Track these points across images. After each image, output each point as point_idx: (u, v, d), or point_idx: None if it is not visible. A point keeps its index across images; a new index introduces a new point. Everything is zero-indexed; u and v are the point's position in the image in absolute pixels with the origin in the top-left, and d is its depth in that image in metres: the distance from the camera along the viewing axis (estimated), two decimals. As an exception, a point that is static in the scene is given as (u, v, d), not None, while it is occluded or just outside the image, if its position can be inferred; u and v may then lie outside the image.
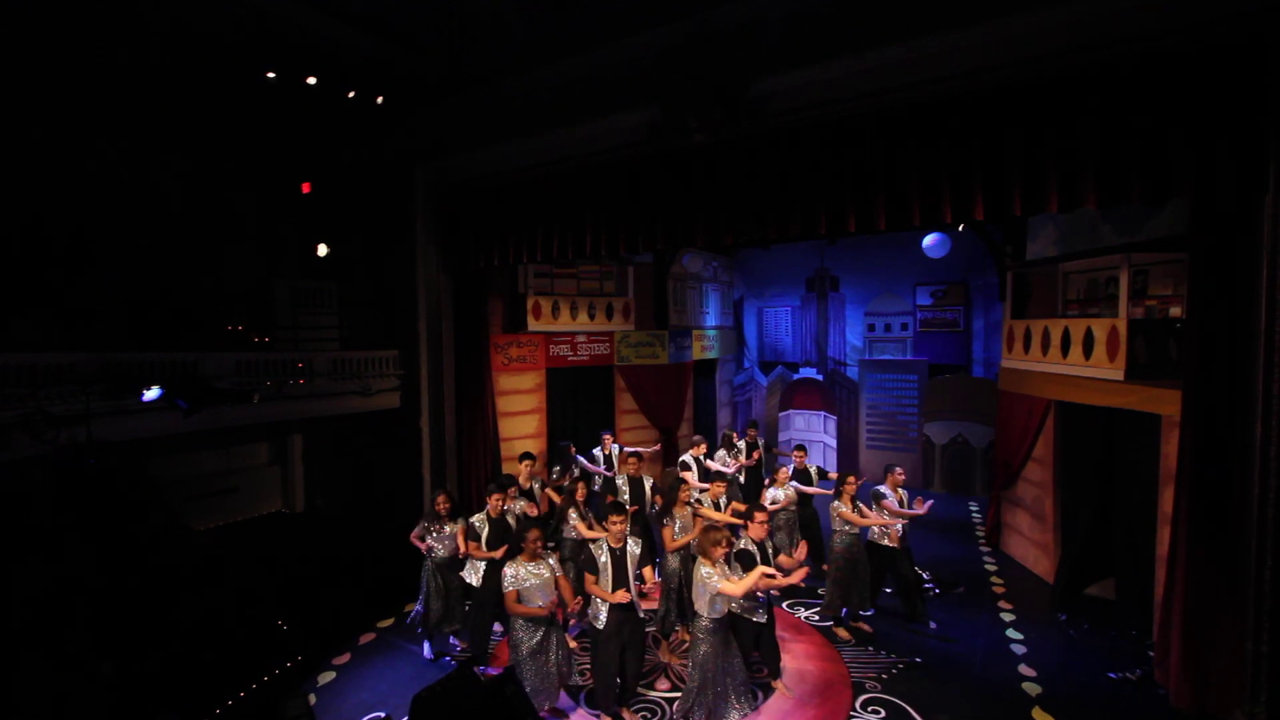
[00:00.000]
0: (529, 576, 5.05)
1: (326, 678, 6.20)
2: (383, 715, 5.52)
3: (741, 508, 7.54)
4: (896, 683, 5.88)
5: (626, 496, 7.36)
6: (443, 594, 6.31)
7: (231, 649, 5.77)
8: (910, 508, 6.94)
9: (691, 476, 8.77)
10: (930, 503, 6.81)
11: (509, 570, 5.06)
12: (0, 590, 5.12)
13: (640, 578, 5.24)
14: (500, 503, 6.33)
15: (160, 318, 9.01)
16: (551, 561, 5.26)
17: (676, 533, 6.44)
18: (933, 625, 6.89)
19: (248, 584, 6.94)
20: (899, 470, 7.11)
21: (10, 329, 7.46)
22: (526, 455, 7.76)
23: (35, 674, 4.68)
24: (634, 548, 5.26)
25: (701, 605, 4.92)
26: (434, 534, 6.30)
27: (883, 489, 6.92)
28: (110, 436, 6.53)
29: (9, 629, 4.92)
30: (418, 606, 6.46)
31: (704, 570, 4.87)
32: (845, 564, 6.68)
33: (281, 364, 8.38)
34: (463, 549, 6.17)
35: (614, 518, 5.27)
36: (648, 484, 7.50)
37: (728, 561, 5.13)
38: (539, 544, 5.13)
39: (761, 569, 4.97)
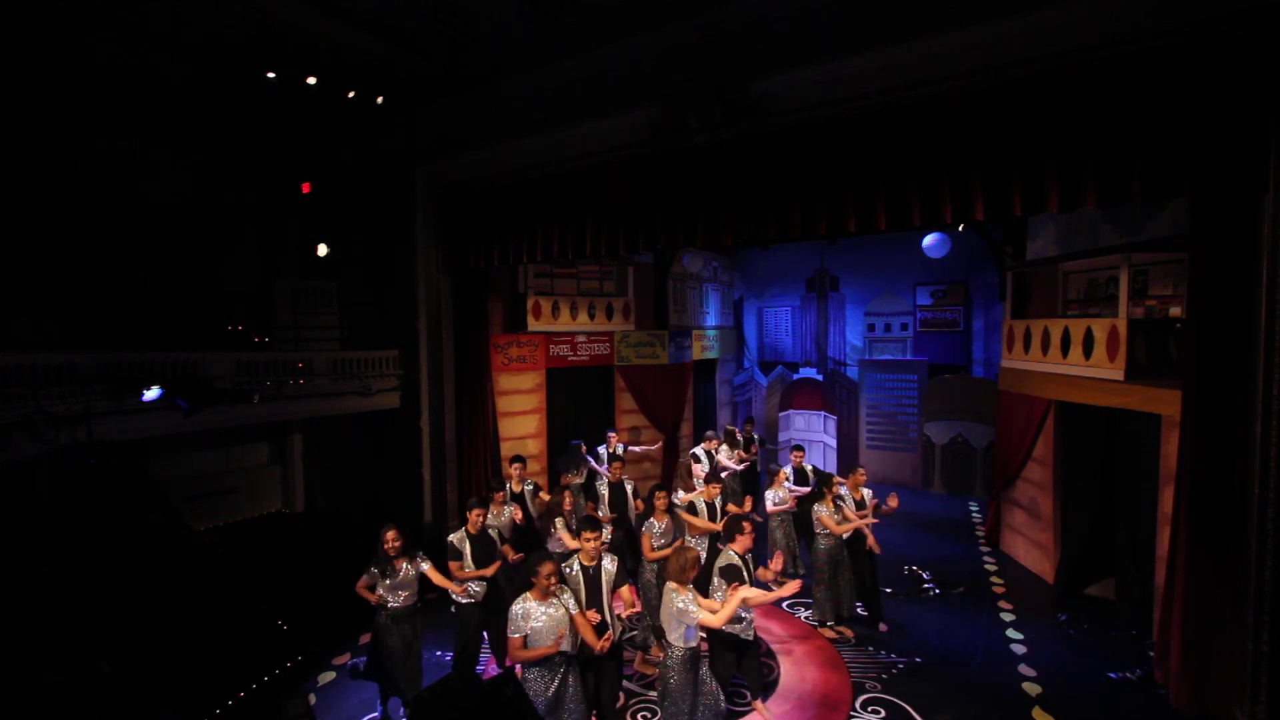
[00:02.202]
0: (539, 617, 4.32)
1: (326, 678, 6.20)
2: (381, 715, 5.52)
3: (738, 509, 7.50)
4: (896, 683, 5.88)
5: (606, 503, 7.18)
6: (403, 655, 5.25)
7: (231, 648, 5.77)
8: (871, 510, 6.82)
9: (700, 469, 8.82)
10: (895, 500, 6.65)
11: (516, 609, 4.32)
12: (0, 590, 5.13)
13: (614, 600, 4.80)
14: (481, 518, 5.75)
15: (160, 318, 9.03)
16: (568, 598, 4.50)
17: (656, 543, 6.17)
18: (883, 628, 6.86)
19: (248, 584, 6.95)
20: (861, 470, 7.08)
21: (10, 329, 7.47)
22: (517, 458, 7.57)
23: (35, 674, 4.68)
24: (609, 565, 4.86)
25: (674, 635, 4.50)
26: (386, 581, 5.16)
27: (841, 490, 6.82)
28: (110, 436, 6.52)
29: (9, 629, 4.93)
30: (357, 660, 5.56)
31: (677, 600, 4.45)
32: (828, 567, 6.61)
33: (281, 364, 8.37)
34: (437, 579, 5.34)
35: (587, 534, 4.85)
36: (629, 488, 7.32)
37: (707, 579, 4.84)
38: (553, 579, 4.36)
39: (741, 595, 4.56)
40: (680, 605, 4.42)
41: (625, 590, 4.91)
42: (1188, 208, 5.56)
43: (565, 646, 4.34)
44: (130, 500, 6.52)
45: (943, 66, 5.55)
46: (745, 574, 5.00)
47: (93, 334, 8.05)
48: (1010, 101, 5.40)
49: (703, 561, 4.75)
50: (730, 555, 5.06)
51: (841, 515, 6.60)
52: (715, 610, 4.50)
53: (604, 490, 7.28)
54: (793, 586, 4.55)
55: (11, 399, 5.92)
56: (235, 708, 5.20)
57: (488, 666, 6.23)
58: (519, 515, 6.57)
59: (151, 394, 6.47)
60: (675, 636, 4.50)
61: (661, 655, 4.67)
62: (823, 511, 6.55)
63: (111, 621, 5.29)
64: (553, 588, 4.36)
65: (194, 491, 9.26)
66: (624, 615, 4.93)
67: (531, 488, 7.35)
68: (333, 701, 5.81)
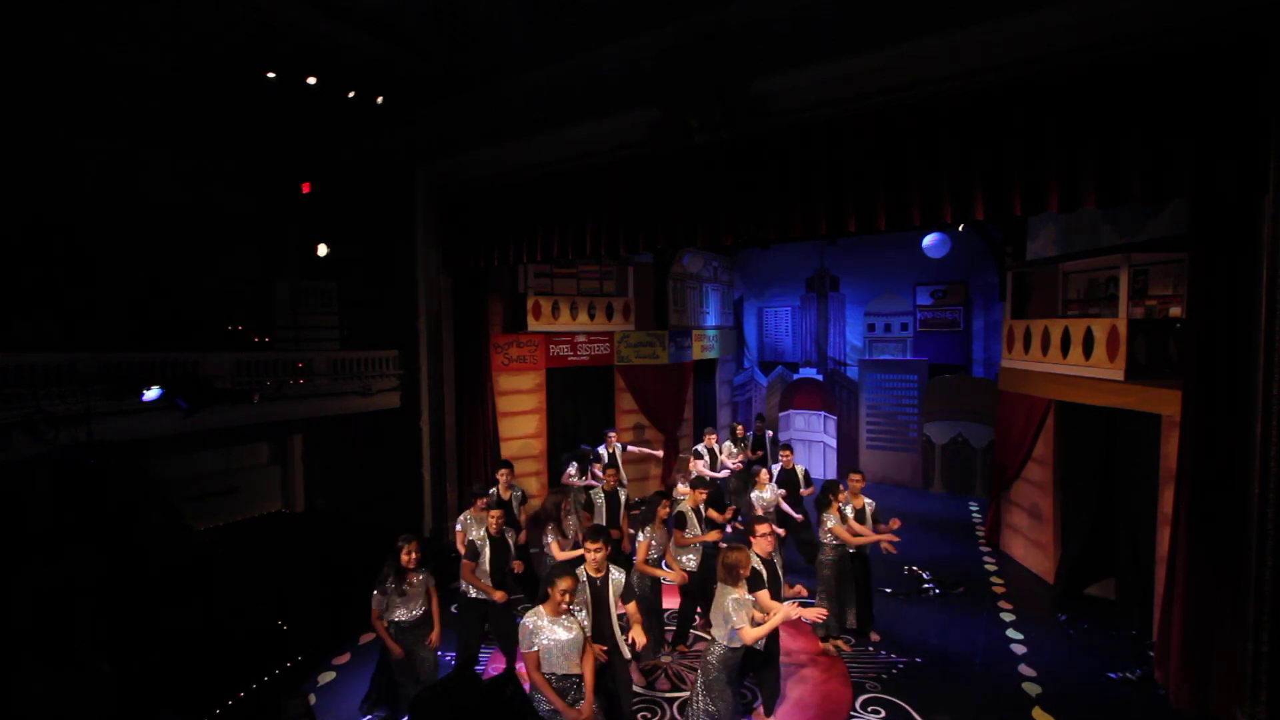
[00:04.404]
0: (549, 635, 4.07)
1: (326, 678, 6.20)
2: (383, 714, 5.52)
3: (719, 516, 7.08)
4: (896, 683, 5.88)
5: (604, 512, 6.99)
6: (410, 667, 5.08)
7: (232, 649, 5.77)
8: (872, 520, 6.60)
9: (702, 465, 8.81)
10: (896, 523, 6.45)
11: (529, 622, 4.10)
12: (0, 590, 5.13)
13: (624, 621, 4.64)
14: (500, 521, 5.72)
15: (160, 318, 9.03)
16: (581, 617, 4.25)
17: (651, 554, 5.98)
18: (875, 637, 6.68)
19: (248, 584, 6.95)
20: (855, 477, 6.77)
21: (10, 329, 7.47)
22: (504, 464, 7.45)
23: (35, 674, 4.68)
24: (617, 575, 4.70)
25: (719, 631, 4.46)
26: (400, 597, 5.00)
27: (845, 508, 6.49)
28: (110, 436, 6.53)
29: (9, 629, 4.92)
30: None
31: (728, 600, 4.37)
32: (834, 579, 6.43)
33: (281, 364, 8.38)
34: (434, 603, 5.25)
35: (590, 544, 4.66)
36: (622, 496, 7.11)
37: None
38: (568, 596, 4.11)
39: (786, 610, 4.38)
40: (729, 607, 4.35)
41: (631, 608, 4.69)
42: (1188, 208, 5.55)
43: (575, 669, 4.12)
44: (130, 500, 6.51)
45: (943, 66, 5.55)
46: (767, 579, 4.82)
47: (93, 334, 8.05)
48: (1010, 101, 5.40)
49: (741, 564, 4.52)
50: (752, 559, 4.77)
51: (850, 529, 6.37)
52: (759, 623, 4.41)
53: (600, 500, 7.06)
54: (815, 612, 4.52)
55: (11, 399, 5.93)
56: (235, 708, 5.20)
57: (488, 666, 6.23)
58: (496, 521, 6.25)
59: (151, 394, 6.47)
60: (720, 634, 4.46)
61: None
62: (831, 522, 6.31)
63: (111, 621, 5.29)
64: (565, 605, 4.10)
65: (194, 491, 9.26)
66: (633, 643, 4.64)
67: (519, 496, 7.21)
68: (333, 701, 5.81)
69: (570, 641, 4.07)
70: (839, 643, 6.54)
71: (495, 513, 5.73)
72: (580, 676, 4.11)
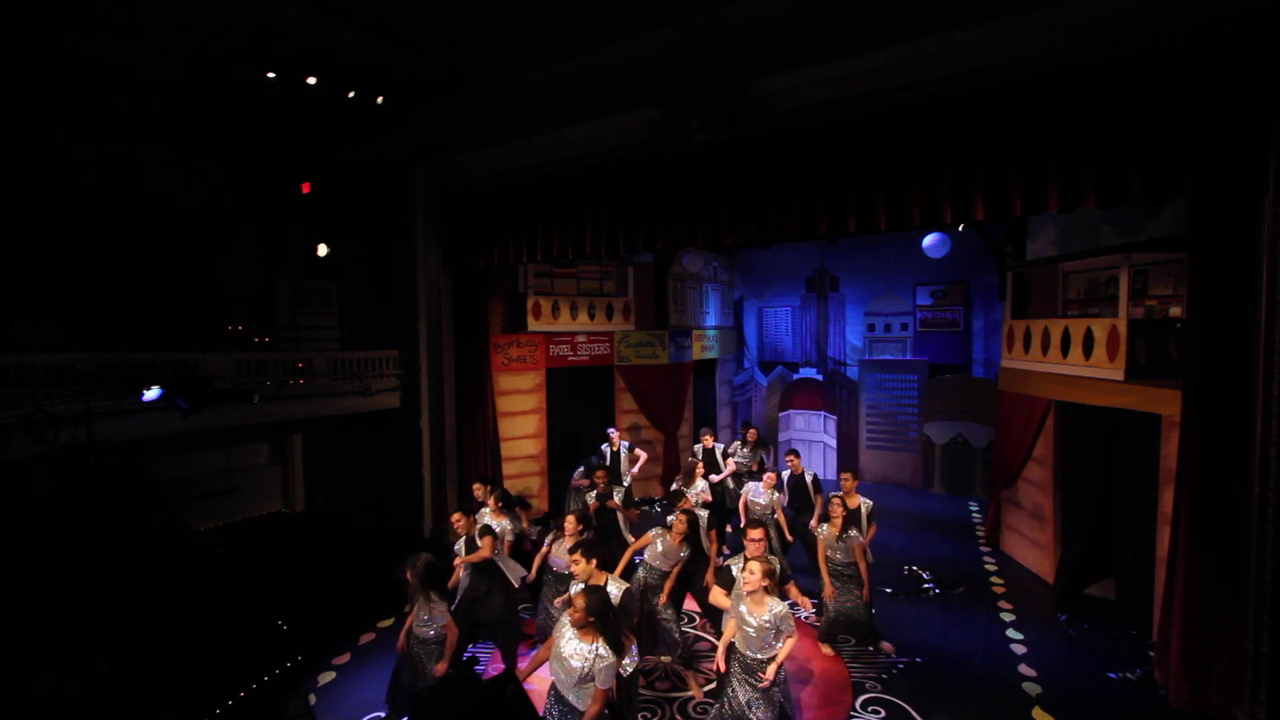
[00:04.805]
0: (561, 639, 3.97)
1: (326, 678, 6.20)
2: (383, 715, 5.52)
3: (712, 547, 7.07)
4: (896, 683, 5.88)
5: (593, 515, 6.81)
6: (407, 669, 5.03)
7: (231, 649, 5.77)
8: (867, 519, 6.52)
9: (702, 467, 8.76)
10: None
11: (563, 620, 4.07)
12: (0, 590, 5.12)
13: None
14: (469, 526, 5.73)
15: (160, 318, 9.04)
16: (601, 651, 3.83)
17: (655, 559, 5.82)
18: (885, 644, 6.55)
19: (248, 584, 6.95)
20: (846, 477, 6.72)
21: (10, 329, 7.48)
22: (483, 479, 7.22)
23: (35, 674, 4.67)
24: (615, 590, 4.61)
25: (741, 642, 4.45)
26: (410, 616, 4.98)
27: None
28: (110, 436, 6.53)
29: (9, 629, 4.92)
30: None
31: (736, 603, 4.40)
32: (836, 583, 6.35)
33: (281, 364, 8.38)
34: (451, 644, 4.99)
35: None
36: (618, 496, 7.05)
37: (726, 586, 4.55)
38: (585, 614, 3.88)
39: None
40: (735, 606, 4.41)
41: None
42: (1188, 208, 5.56)
43: (575, 700, 3.92)
44: (130, 500, 6.51)
45: (943, 66, 5.55)
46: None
47: (93, 334, 8.06)
48: (1010, 101, 5.40)
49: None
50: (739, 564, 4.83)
51: (850, 538, 6.27)
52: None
53: (593, 499, 7.05)
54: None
55: (11, 399, 5.93)
56: (235, 708, 5.20)
57: (488, 666, 6.23)
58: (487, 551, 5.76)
59: (151, 394, 6.47)
60: (742, 644, 4.44)
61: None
62: (831, 537, 6.25)
63: (111, 621, 5.28)
64: (579, 619, 3.90)
65: (194, 491, 9.27)
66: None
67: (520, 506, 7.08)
68: (333, 701, 5.81)
69: (572, 668, 3.84)
70: (883, 645, 6.42)
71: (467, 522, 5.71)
72: (579, 712, 3.87)
